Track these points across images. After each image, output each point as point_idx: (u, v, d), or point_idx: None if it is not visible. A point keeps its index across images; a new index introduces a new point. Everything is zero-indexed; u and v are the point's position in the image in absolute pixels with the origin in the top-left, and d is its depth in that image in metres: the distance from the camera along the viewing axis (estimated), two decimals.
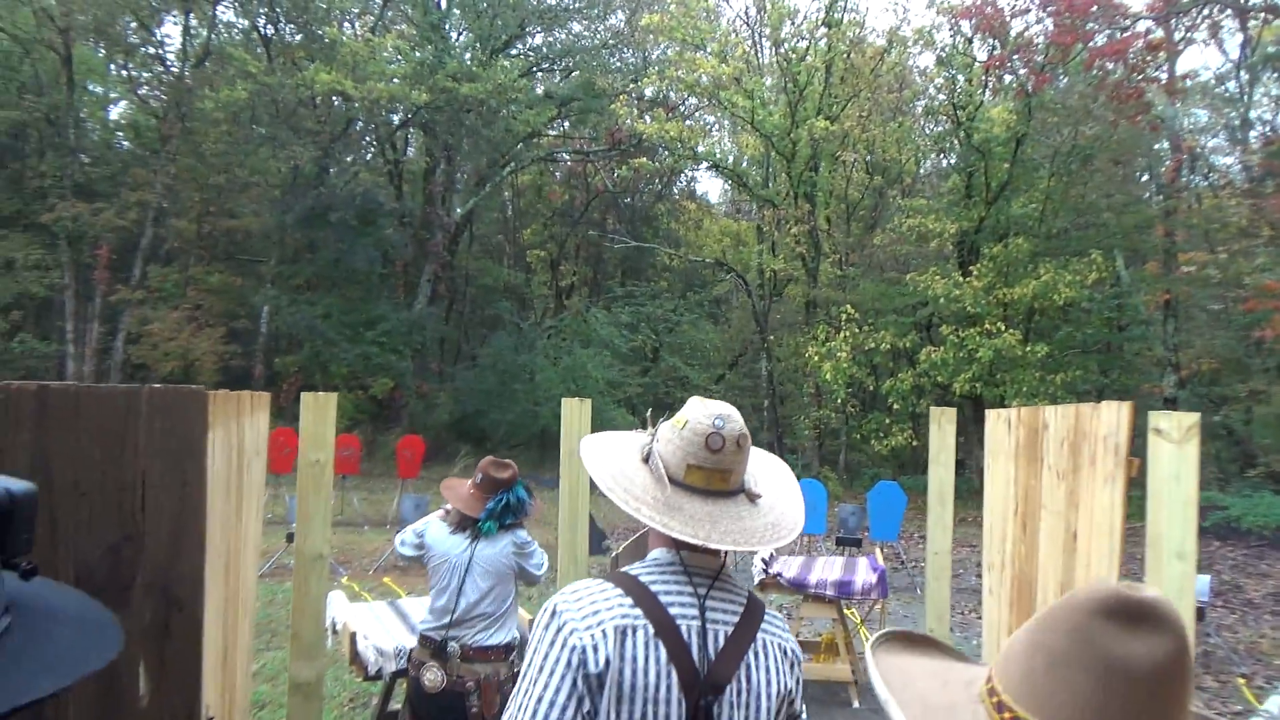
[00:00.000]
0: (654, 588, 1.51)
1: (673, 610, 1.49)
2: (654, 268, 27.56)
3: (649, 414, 1.79)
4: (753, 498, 1.59)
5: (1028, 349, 16.19)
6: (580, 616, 1.45)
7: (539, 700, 1.40)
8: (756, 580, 6.12)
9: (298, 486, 3.62)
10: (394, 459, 15.50)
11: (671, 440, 1.58)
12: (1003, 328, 16.26)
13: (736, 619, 1.54)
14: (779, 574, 6.04)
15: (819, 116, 18.31)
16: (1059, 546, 2.97)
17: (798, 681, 1.61)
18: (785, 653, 1.58)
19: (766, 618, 1.58)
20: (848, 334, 17.34)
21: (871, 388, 19.52)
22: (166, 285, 21.83)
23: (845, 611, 6.10)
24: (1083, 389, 17.06)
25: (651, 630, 1.45)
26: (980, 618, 7.41)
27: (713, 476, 1.55)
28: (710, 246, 25.53)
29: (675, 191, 29.42)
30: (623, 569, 1.58)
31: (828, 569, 6.17)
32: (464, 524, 3.71)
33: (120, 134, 26.91)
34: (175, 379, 20.98)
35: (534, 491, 3.87)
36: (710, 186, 32.46)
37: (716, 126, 25.94)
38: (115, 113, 26.67)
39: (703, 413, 1.57)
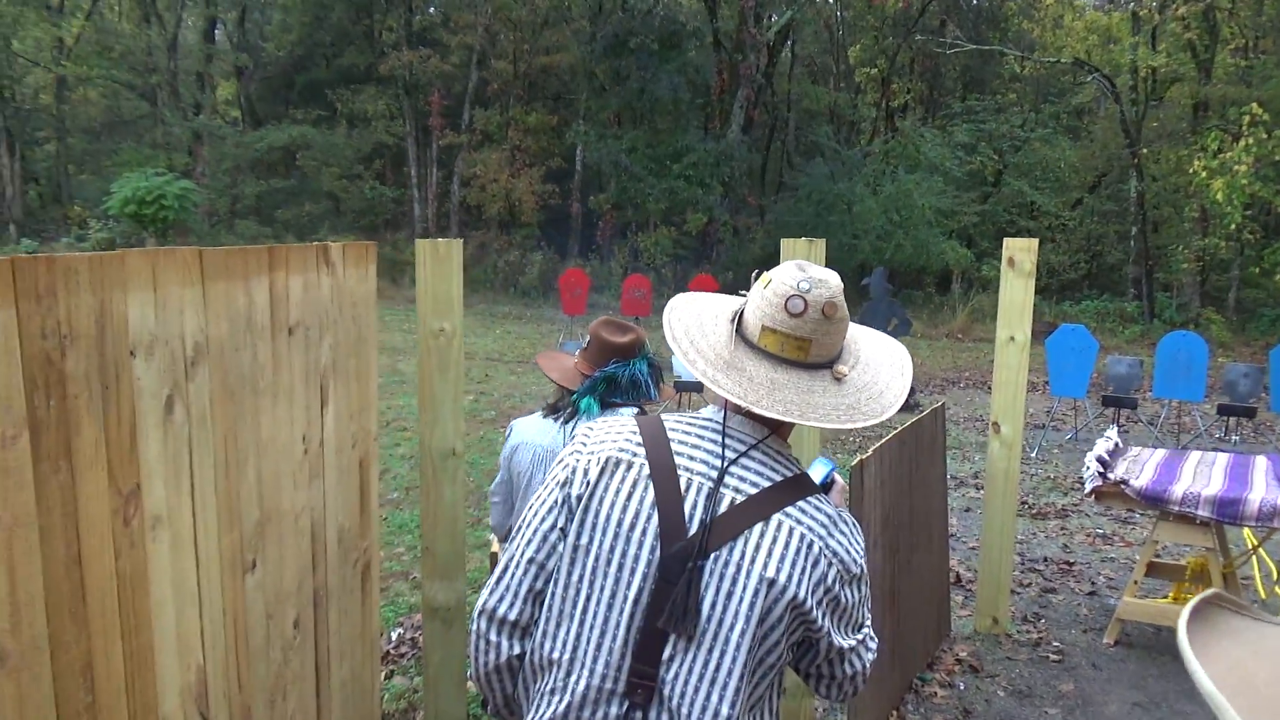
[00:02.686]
0: (673, 434, 1.42)
1: (681, 460, 1.39)
2: (1000, 78, 24.01)
3: (754, 274, 1.54)
4: (838, 377, 1.41)
5: None
6: (588, 442, 1.44)
7: (532, 505, 1.43)
8: (1089, 487, 4.02)
9: (418, 364, 2.82)
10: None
11: (755, 299, 1.43)
12: None
13: (757, 490, 1.37)
14: (1124, 480, 3.91)
15: None
16: None
17: (823, 590, 1.35)
18: (809, 545, 1.35)
19: (804, 503, 1.38)
20: (1251, 141, 13.78)
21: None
22: (490, 127, 22.53)
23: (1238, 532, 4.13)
24: None
25: (646, 470, 1.38)
26: None
27: (787, 343, 1.39)
28: (1071, 47, 21.49)
29: None
30: (658, 413, 1.49)
31: (1202, 474, 3.96)
32: (559, 404, 2.63)
33: None
34: (503, 220, 21.86)
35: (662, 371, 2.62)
36: None
37: None
38: None
39: (791, 274, 1.40)
